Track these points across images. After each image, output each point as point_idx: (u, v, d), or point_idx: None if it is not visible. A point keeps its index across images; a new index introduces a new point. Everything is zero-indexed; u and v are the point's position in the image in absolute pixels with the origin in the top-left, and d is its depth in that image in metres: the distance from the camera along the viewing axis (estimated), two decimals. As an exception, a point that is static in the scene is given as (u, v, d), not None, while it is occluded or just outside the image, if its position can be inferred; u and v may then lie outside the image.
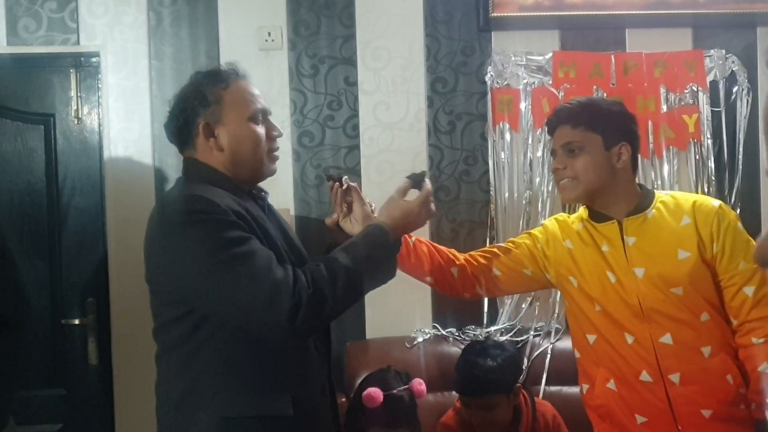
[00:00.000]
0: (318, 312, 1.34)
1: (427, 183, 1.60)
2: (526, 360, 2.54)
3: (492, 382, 2.05)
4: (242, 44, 2.72)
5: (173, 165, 2.71)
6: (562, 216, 1.92)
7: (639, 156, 1.83)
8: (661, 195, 1.78)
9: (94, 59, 2.73)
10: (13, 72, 2.71)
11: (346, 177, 1.67)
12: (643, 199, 1.75)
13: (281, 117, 2.65)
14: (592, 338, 1.77)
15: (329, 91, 2.75)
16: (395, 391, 2.13)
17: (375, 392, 2.06)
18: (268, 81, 2.71)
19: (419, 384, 2.20)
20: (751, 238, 1.70)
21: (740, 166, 2.69)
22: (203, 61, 2.72)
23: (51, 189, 2.73)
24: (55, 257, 2.72)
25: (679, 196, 1.77)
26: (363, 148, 2.73)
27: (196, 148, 1.50)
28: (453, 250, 1.88)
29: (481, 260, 1.87)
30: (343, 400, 2.29)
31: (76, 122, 2.74)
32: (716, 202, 1.73)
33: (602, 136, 1.71)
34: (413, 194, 1.61)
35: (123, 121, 2.70)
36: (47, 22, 2.68)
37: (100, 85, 2.72)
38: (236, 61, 2.59)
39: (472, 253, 1.90)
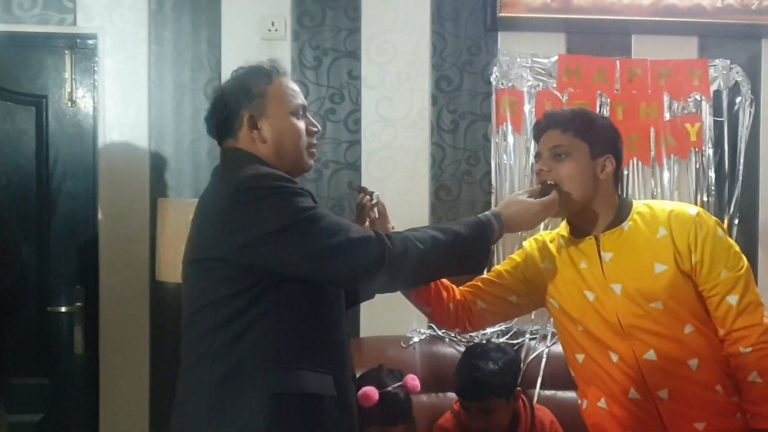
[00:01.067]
0: (401, 266, 1.42)
1: (554, 192, 1.66)
2: (522, 364, 2.52)
3: (493, 386, 2.03)
4: (245, 33, 2.67)
5: (170, 152, 2.66)
6: (540, 235, 1.88)
7: (622, 172, 1.80)
8: (638, 205, 1.73)
9: (90, 41, 2.66)
10: (6, 50, 2.64)
11: (377, 194, 1.74)
12: (620, 211, 1.71)
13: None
14: (580, 358, 1.75)
15: (332, 83, 2.70)
16: (390, 388, 2.11)
17: (371, 391, 2.04)
18: (271, 72, 2.67)
19: (412, 380, 2.18)
20: (735, 244, 1.67)
21: (740, 177, 2.69)
22: (204, 48, 2.67)
23: (41, 172, 2.67)
24: (43, 242, 2.66)
25: (655, 207, 1.72)
26: (364, 143, 2.70)
27: (239, 139, 1.55)
28: (453, 285, 1.85)
29: (468, 296, 1.84)
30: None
31: (69, 105, 2.67)
32: (694, 210, 1.68)
33: (589, 146, 1.68)
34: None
35: (119, 105, 2.64)
36: (43, 1, 2.61)
37: (96, 68, 2.66)
38: (238, 49, 2.63)
39: (462, 287, 1.86)
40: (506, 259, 1.92)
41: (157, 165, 2.66)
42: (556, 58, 2.69)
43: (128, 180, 2.64)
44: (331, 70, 2.70)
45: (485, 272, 1.86)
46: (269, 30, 2.67)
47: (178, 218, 2.30)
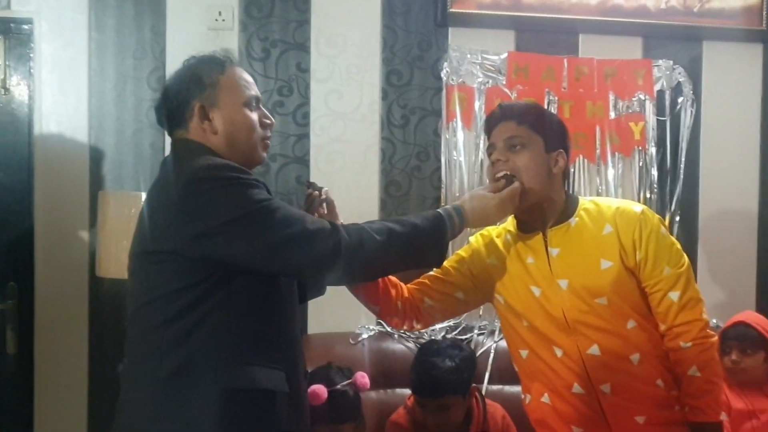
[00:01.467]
0: (356, 257, 1.41)
1: (516, 183, 1.65)
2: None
3: (449, 383, 2.03)
4: (191, 22, 2.60)
5: (111, 144, 2.57)
6: (487, 230, 1.87)
7: (570, 168, 1.83)
8: (584, 202, 1.75)
9: (26, 26, 2.54)
10: (-66, 35, 2.51)
11: (326, 189, 1.70)
12: (567, 207, 1.73)
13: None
14: (524, 353, 1.76)
15: (280, 76, 2.66)
16: (339, 386, 2.09)
17: (319, 389, 2.02)
18: (217, 62, 2.60)
19: (362, 377, 2.17)
20: (676, 242, 1.71)
21: (682, 175, 2.75)
22: (148, 36, 2.58)
23: (-29, 163, 2.54)
24: (-27, 236, 2.53)
25: (601, 203, 1.74)
26: (313, 136, 2.65)
27: (189, 129, 1.51)
28: (401, 283, 1.83)
29: (416, 294, 1.82)
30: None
31: (2, 93, 2.55)
32: (638, 208, 1.71)
33: (544, 139, 1.69)
34: None
35: (57, 94, 2.54)
36: (-26, -18, 2.49)
37: (32, 55, 2.54)
38: (183, 38, 2.56)
39: (409, 285, 1.85)
40: (452, 255, 1.91)
41: (97, 156, 2.57)
42: (505, 55, 2.70)
43: (66, 172, 2.54)
44: (280, 62, 2.65)
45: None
46: (216, 20, 2.61)
47: (120, 211, 2.23)
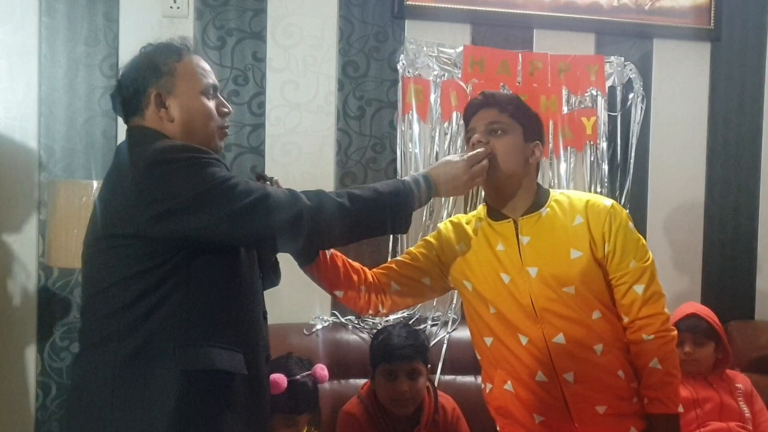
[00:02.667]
0: (319, 219, 1.42)
1: (486, 162, 1.66)
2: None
3: (418, 347, 2.11)
4: (145, 9, 2.56)
5: (62, 132, 2.52)
6: (456, 217, 1.90)
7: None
8: (555, 194, 1.79)
9: (-27, 9, 2.48)
10: None
11: (276, 179, 1.68)
12: (538, 198, 1.77)
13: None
14: (489, 341, 1.78)
15: (236, 65, 2.63)
16: (298, 377, 2.10)
17: (279, 378, 2.03)
18: (171, 50, 2.57)
19: (321, 369, 2.18)
20: (642, 237, 1.76)
21: (631, 170, 2.81)
22: (101, 22, 2.53)
23: None
24: None
25: (572, 195, 1.79)
26: (268, 127, 2.64)
27: (145, 117, 1.50)
28: (364, 267, 1.85)
29: (382, 278, 1.84)
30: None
31: (-51, 78, 2.48)
32: (608, 202, 1.75)
33: (523, 129, 1.74)
34: None
35: (5, 80, 2.48)
36: None
37: (-21, 39, 2.48)
38: (137, 25, 2.52)
39: (375, 270, 1.87)
40: (420, 241, 1.93)
41: (48, 144, 2.52)
42: (461, 48, 2.72)
43: (14, 160, 2.49)
44: (236, 51, 2.63)
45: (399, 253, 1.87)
46: (171, 7, 2.57)
47: (71, 200, 2.19)
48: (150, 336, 1.38)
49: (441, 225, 1.92)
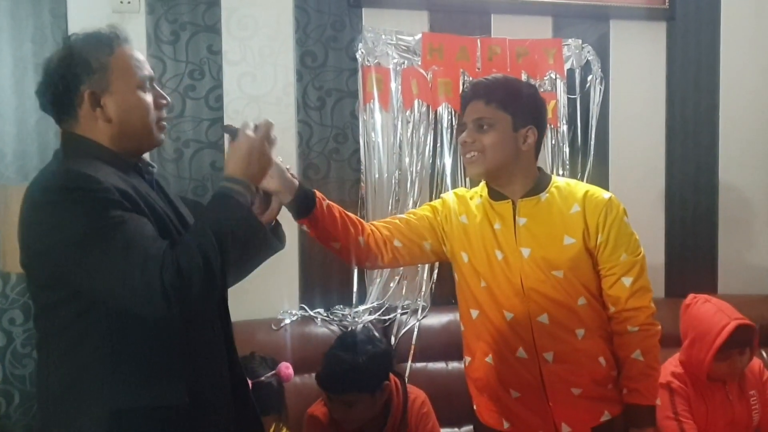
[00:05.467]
0: (191, 284, 1.21)
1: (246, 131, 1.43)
2: (393, 338, 2.55)
3: (352, 380, 1.99)
4: (94, 4, 2.49)
5: (12, 133, 2.46)
6: (461, 190, 1.92)
7: (544, 139, 1.85)
8: (557, 180, 1.81)
9: None
10: None
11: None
12: (539, 182, 1.78)
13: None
14: (475, 313, 1.80)
15: (191, 59, 2.58)
16: (263, 378, 2.07)
17: None
18: (123, 46, 2.50)
19: (286, 368, 2.15)
20: (635, 233, 1.78)
21: (592, 151, 2.84)
22: (47, 19, 2.46)
23: None
24: None
25: (573, 184, 1.81)
26: (227, 121, 2.59)
27: (79, 119, 1.37)
28: (361, 220, 1.81)
29: (384, 231, 1.83)
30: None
31: None
32: (607, 195, 1.77)
33: (512, 117, 1.73)
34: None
35: (-51, 81, 2.39)
36: None
37: None
38: (86, 21, 2.43)
39: (374, 222, 1.86)
40: (425, 205, 1.93)
41: (-8, 146, 2.44)
42: (419, 36, 2.70)
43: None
44: (190, 44, 2.58)
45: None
46: (121, 2, 2.51)
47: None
48: (74, 373, 1.28)
49: (445, 195, 1.93)
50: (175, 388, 1.31)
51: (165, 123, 1.47)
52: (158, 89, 1.47)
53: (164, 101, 1.47)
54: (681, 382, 2.18)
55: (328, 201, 1.73)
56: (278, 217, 1.56)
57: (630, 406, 1.73)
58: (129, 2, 2.51)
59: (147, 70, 1.43)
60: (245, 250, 1.30)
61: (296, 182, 1.62)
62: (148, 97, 1.42)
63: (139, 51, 2.41)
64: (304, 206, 1.65)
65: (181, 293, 1.20)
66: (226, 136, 1.54)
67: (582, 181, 2.79)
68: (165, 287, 1.18)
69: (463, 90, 1.83)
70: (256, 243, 1.33)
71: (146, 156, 1.49)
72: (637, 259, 1.75)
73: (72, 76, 1.34)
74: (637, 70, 2.92)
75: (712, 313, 2.19)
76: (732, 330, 2.11)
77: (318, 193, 1.69)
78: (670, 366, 2.23)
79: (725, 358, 2.14)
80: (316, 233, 1.72)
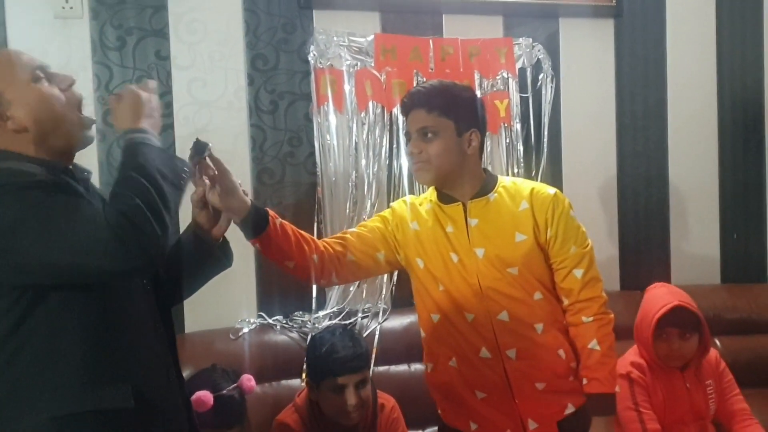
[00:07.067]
0: (140, 223, 1.20)
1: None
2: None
3: (366, 357, 2.06)
4: (34, 10, 2.42)
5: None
6: (411, 198, 1.93)
7: (486, 140, 1.87)
8: (503, 180, 1.84)
9: None
10: None
11: (210, 145, 1.56)
12: (486, 183, 1.81)
13: (83, 94, 2.37)
14: (435, 318, 1.81)
15: (138, 65, 2.52)
16: (225, 391, 2.03)
17: (204, 396, 1.96)
18: (67, 53, 2.44)
19: (248, 380, 2.12)
20: (582, 225, 1.81)
21: (545, 148, 2.86)
22: (-15, 26, 2.37)
23: None
24: None
25: (519, 183, 1.84)
26: (177, 127, 2.54)
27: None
28: (313, 237, 1.80)
29: (337, 247, 1.82)
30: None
31: None
32: (552, 190, 1.81)
33: (455, 123, 1.74)
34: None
35: None
36: None
37: None
38: (27, 28, 2.36)
39: (326, 239, 1.84)
40: (375, 216, 1.94)
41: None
42: (372, 37, 2.69)
43: None
44: (137, 50, 2.52)
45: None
46: (63, 8, 2.44)
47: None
48: (16, 382, 1.25)
49: (394, 203, 1.94)
50: (120, 390, 1.30)
51: (89, 116, 1.42)
52: (55, 73, 1.39)
53: (68, 81, 1.40)
54: (640, 371, 2.20)
55: (280, 219, 1.71)
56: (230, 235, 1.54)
57: (591, 396, 1.76)
58: (72, 7, 2.44)
59: (31, 59, 1.36)
60: (175, 189, 1.31)
61: (249, 201, 1.61)
62: (52, 88, 1.36)
63: (83, 58, 2.37)
64: (256, 225, 1.63)
65: (134, 236, 1.19)
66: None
67: (536, 178, 2.82)
68: (119, 236, 1.18)
69: (402, 99, 1.81)
70: (183, 178, 1.34)
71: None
72: (586, 250, 1.79)
73: None
74: (586, 68, 2.96)
75: (661, 295, 2.23)
76: (671, 308, 2.14)
77: (271, 212, 1.67)
78: (630, 356, 2.25)
79: (665, 338, 2.16)
80: (269, 253, 1.70)
